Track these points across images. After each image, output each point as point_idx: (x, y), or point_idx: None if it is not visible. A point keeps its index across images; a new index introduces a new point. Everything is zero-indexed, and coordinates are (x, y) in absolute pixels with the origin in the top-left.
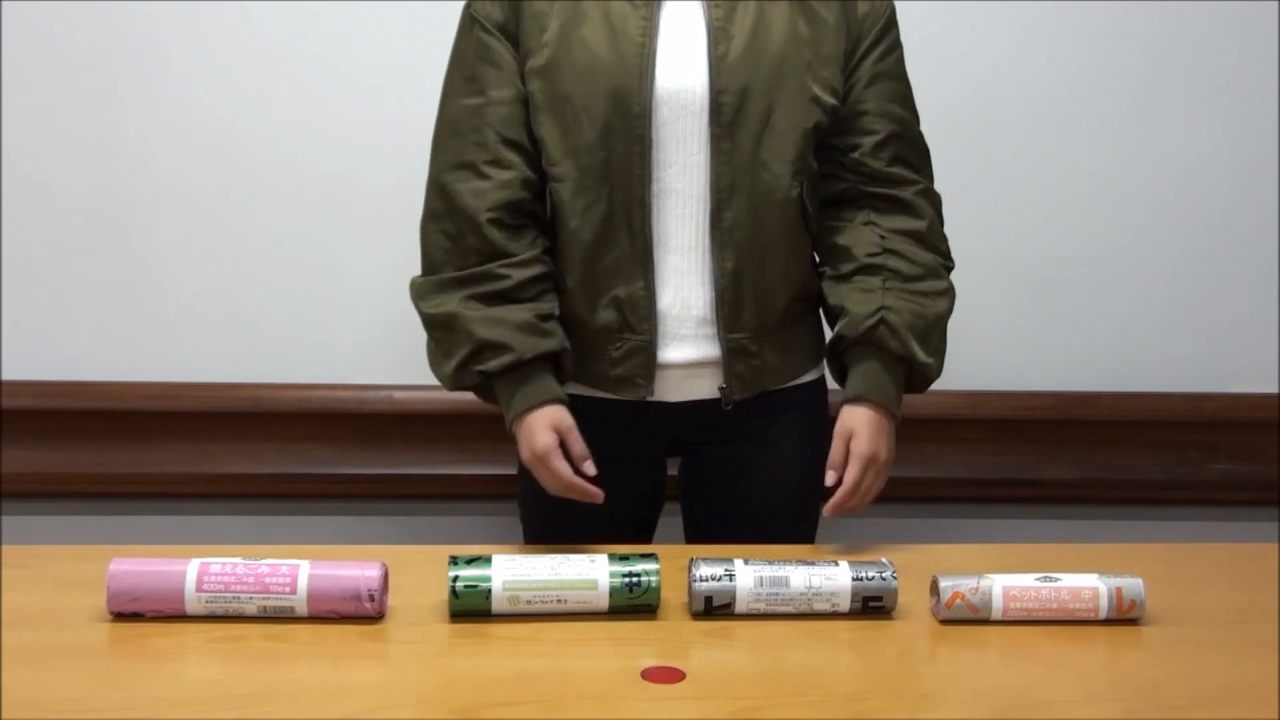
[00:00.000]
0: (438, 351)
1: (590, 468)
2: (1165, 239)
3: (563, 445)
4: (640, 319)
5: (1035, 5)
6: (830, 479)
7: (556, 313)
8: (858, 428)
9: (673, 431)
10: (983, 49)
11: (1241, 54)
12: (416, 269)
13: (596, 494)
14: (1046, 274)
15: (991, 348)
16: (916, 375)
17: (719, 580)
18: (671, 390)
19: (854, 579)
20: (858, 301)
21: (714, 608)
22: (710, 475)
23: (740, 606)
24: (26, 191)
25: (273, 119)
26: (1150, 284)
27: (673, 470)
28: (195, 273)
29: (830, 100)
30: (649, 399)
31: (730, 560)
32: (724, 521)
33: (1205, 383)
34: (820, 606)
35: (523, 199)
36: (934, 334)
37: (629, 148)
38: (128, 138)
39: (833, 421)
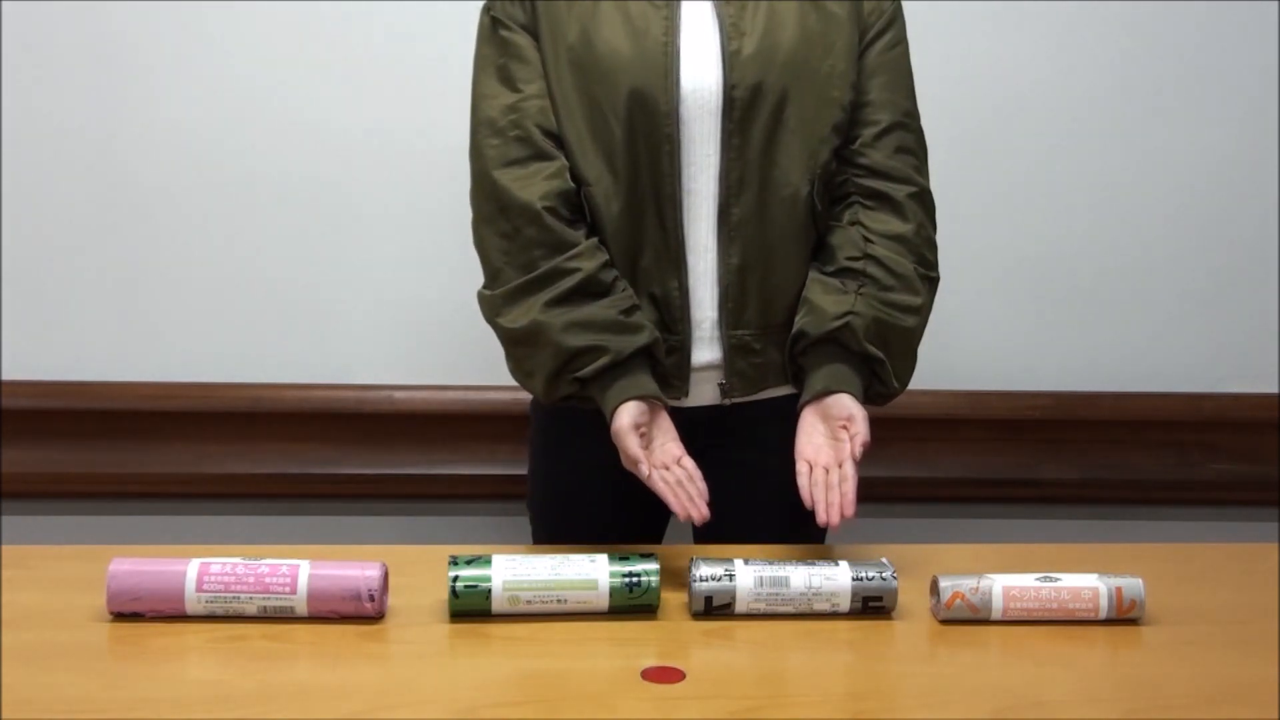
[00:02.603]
0: (524, 365)
1: (642, 469)
2: (1165, 239)
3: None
4: (675, 320)
5: (1035, 5)
6: (808, 499)
7: (637, 302)
8: (855, 413)
9: (683, 435)
10: (983, 48)
11: (1242, 54)
12: (415, 268)
13: (675, 505)
14: (1047, 274)
15: (991, 348)
16: (876, 383)
17: (719, 580)
18: (692, 394)
19: (854, 579)
20: (827, 300)
21: (714, 608)
22: (720, 479)
23: (740, 606)
24: (26, 191)
25: (273, 119)
26: (1150, 284)
27: None
28: (195, 272)
29: (847, 96)
30: (683, 400)
31: (730, 560)
32: (733, 525)
33: (1205, 383)
34: (820, 606)
35: (571, 189)
36: (898, 347)
37: (658, 147)
38: (128, 137)
39: None
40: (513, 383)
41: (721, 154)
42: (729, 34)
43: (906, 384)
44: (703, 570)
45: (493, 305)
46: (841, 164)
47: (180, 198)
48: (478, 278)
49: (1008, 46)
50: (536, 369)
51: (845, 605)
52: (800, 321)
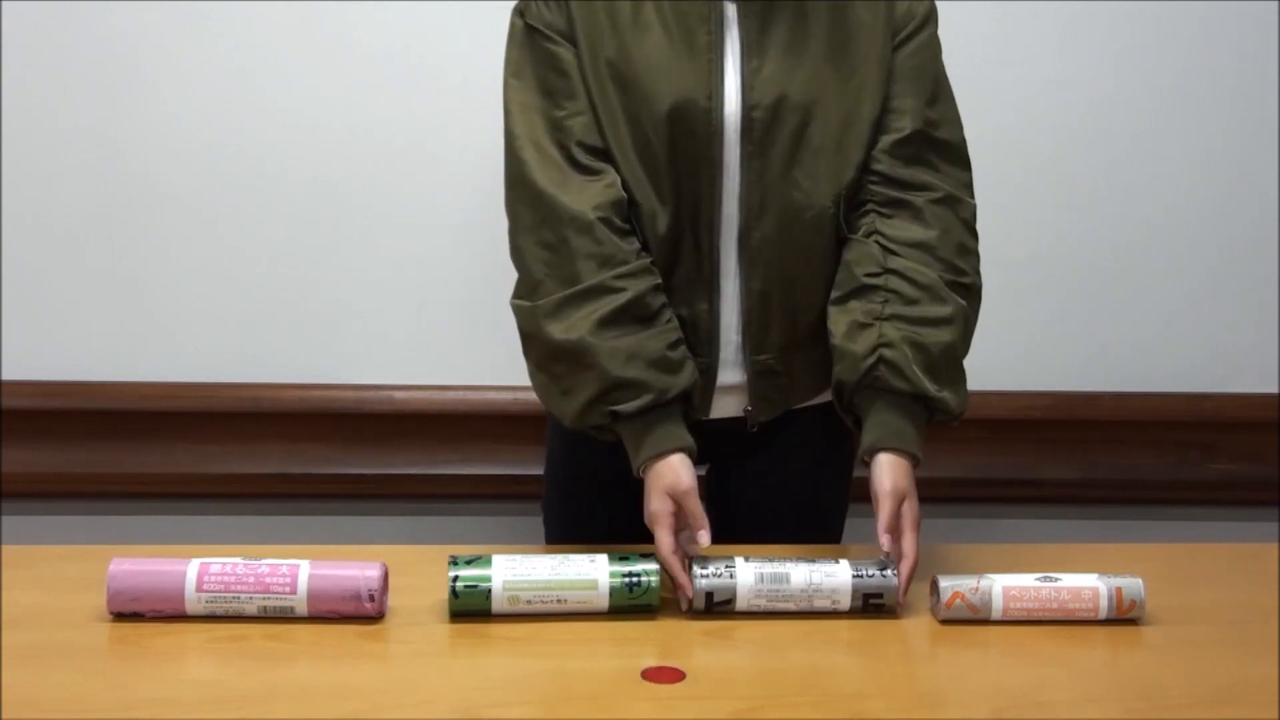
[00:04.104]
0: (563, 383)
1: (705, 537)
2: (1166, 239)
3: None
4: (702, 342)
5: (1034, 5)
6: (885, 543)
7: (681, 334)
8: (899, 484)
9: (702, 447)
10: (982, 49)
11: (1242, 54)
12: (415, 267)
13: (684, 587)
14: (1046, 274)
15: (991, 348)
16: (937, 411)
17: (719, 577)
18: (713, 409)
19: (854, 575)
20: (853, 338)
21: (715, 604)
22: (735, 486)
23: (741, 603)
24: (27, 191)
25: (273, 119)
26: (1150, 284)
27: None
28: (195, 273)
29: (877, 110)
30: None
31: (730, 558)
32: (749, 531)
33: (1205, 383)
34: (821, 604)
35: (624, 200)
36: (942, 366)
37: (698, 169)
38: (127, 138)
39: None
40: (512, 383)
41: (741, 177)
42: (748, 51)
43: (965, 401)
44: (703, 568)
45: (533, 317)
46: (859, 172)
47: (180, 198)
48: (478, 278)
49: (1007, 48)
50: (576, 389)
51: (846, 602)
52: (836, 371)
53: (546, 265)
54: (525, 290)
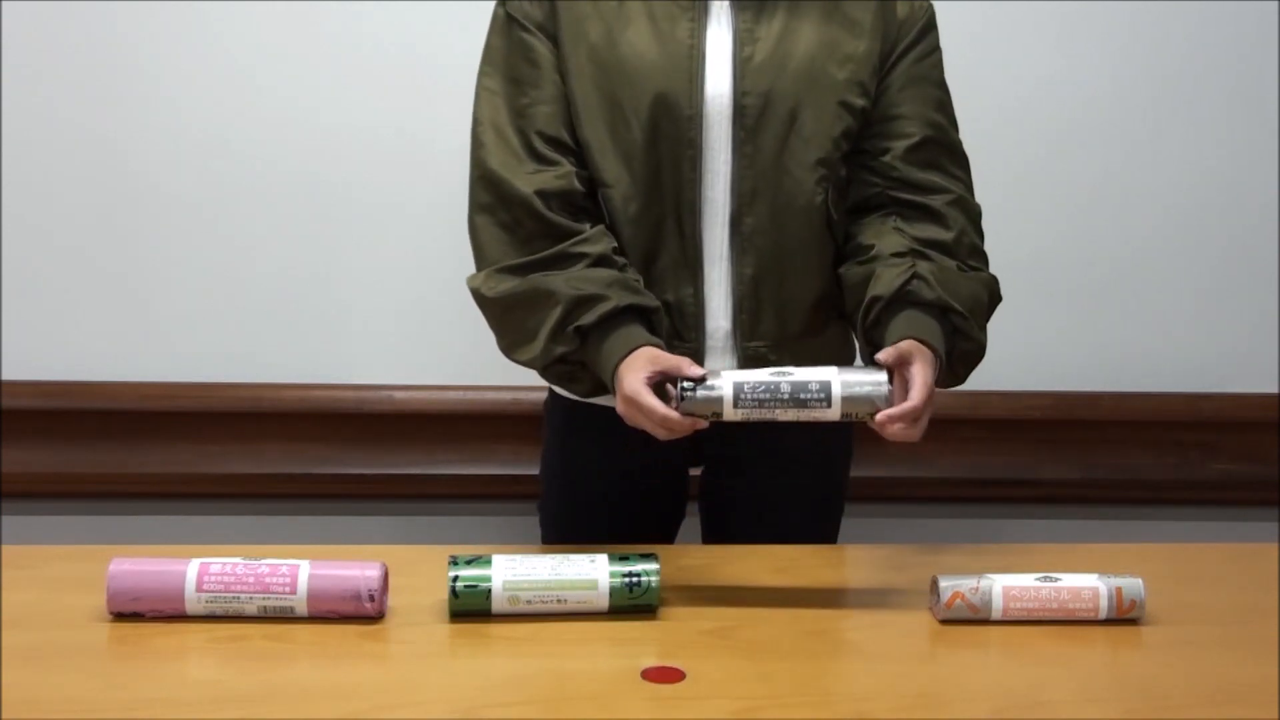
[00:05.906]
0: (520, 332)
1: (694, 369)
2: (1166, 239)
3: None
4: (688, 327)
5: (1035, 5)
6: (885, 358)
7: (640, 279)
8: (916, 357)
9: (695, 441)
10: (981, 48)
11: (1241, 54)
12: (415, 267)
13: (686, 424)
14: (1046, 274)
15: (992, 348)
16: (960, 338)
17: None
18: None
19: (844, 416)
20: (889, 268)
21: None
22: (731, 484)
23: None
24: (26, 191)
25: (273, 119)
26: (1150, 284)
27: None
28: (195, 272)
29: (860, 103)
30: None
31: (720, 403)
32: (744, 529)
33: (1205, 383)
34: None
35: (577, 191)
36: (973, 308)
37: (680, 152)
38: (127, 138)
39: (859, 434)
40: (512, 383)
41: (733, 163)
42: (741, 40)
43: (985, 343)
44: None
45: (483, 281)
46: (873, 175)
47: (180, 197)
48: None
49: (1006, 46)
50: (540, 325)
51: (837, 413)
52: (871, 290)
53: (503, 244)
54: (480, 266)
